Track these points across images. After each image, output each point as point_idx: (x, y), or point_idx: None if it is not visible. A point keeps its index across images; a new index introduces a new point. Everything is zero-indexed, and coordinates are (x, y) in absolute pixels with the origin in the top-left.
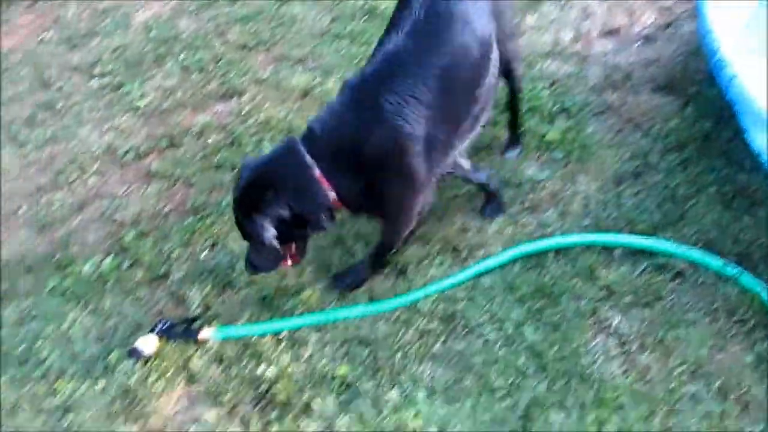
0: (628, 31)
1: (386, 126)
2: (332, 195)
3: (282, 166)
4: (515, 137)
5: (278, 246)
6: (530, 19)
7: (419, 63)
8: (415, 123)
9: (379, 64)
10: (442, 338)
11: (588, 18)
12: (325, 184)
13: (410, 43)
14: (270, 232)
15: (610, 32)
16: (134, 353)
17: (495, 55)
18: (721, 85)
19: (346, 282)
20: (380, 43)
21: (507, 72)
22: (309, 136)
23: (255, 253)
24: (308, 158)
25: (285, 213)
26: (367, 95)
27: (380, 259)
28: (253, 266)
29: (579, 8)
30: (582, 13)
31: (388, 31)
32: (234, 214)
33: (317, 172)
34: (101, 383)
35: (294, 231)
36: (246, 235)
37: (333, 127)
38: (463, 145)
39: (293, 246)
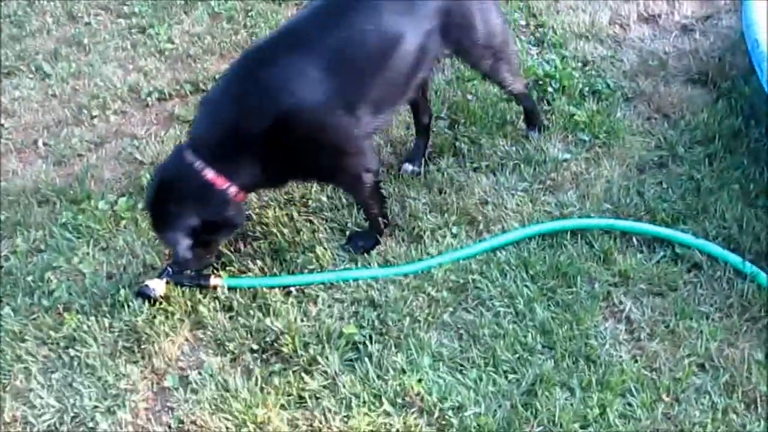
0: (667, 19)
1: (269, 101)
2: (232, 190)
3: (176, 179)
4: (414, 153)
5: (193, 256)
6: None
7: (310, 43)
8: (306, 93)
9: (267, 43)
10: (452, 308)
11: (627, 1)
12: (221, 183)
13: (305, 25)
14: (184, 245)
15: (649, 18)
16: (143, 293)
17: (409, 47)
18: (761, 78)
19: (359, 244)
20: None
21: (487, 75)
22: (194, 140)
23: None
24: (198, 164)
25: (194, 222)
26: (246, 76)
27: (373, 221)
28: (179, 267)
29: None
30: None
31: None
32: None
33: (210, 174)
34: (108, 320)
35: (211, 234)
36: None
37: (215, 122)
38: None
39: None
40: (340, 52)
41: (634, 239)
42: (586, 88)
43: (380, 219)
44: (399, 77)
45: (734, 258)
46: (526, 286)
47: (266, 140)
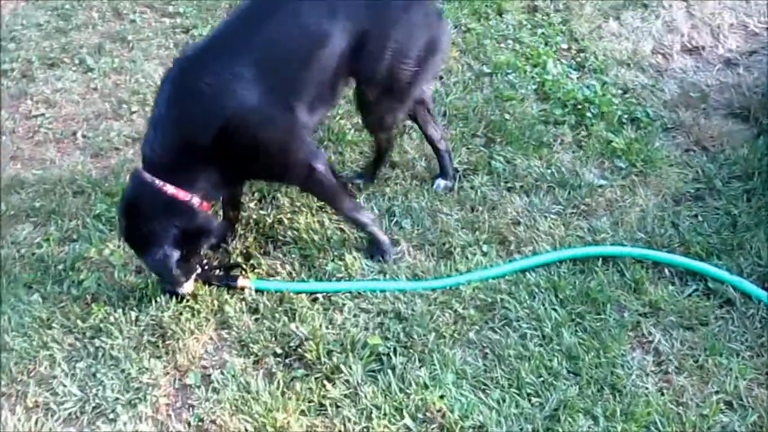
0: (710, 51)
1: (211, 110)
2: (195, 201)
3: (141, 202)
4: (441, 168)
5: (180, 271)
6: (611, 25)
7: (238, 47)
8: (245, 96)
9: (197, 51)
10: (478, 326)
11: (671, 32)
12: (184, 196)
13: (232, 30)
14: (174, 256)
15: (692, 50)
16: (171, 289)
17: (334, 49)
18: None
19: (376, 255)
20: (214, 28)
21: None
22: (148, 161)
23: (167, 281)
24: (157, 182)
25: (174, 231)
26: (184, 90)
27: (363, 229)
28: (171, 285)
29: (663, 21)
30: (665, 26)
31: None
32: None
33: (171, 190)
34: (134, 313)
35: (189, 245)
36: (153, 271)
37: (164, 139)
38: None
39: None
40: (269, 52)
41: (667, 270)
42: (625, 116)
43: (371, 227)
44: (327, 75)
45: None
46: (555, 309)
47: (215, 148)
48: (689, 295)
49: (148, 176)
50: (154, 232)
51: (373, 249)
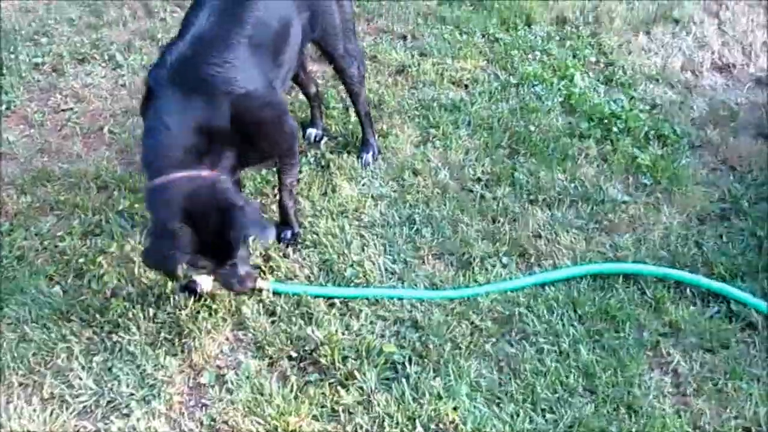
0: (741, 70)
1: (223, 96)
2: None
3: (212, 195)
4: (364, 139)
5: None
6: (641, 40)
7: (226, 36)
8: (248, 79)
9: (186, 47)
10: (495, 338)
11: (702, 48)
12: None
13: (214, 21)
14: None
15: (723, 68)
16: (190, 288)
17: (296, 30)
18: None
19: (284, 239)
20: (184, 26)
21: (338, 70)
22: (176, 160)
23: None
24: (183, 174)
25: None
26: (187, 80)
27: (288, 194)
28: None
29: (694, 37)
30: (696, 43)
31: (189, 16)
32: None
33: (204, 172)
34: (152, 310)
35: None
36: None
37: (183, 133)
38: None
39: None
40: (256, 38)
41: (689, 290)
42: (652, 132)
43: (293, 209)
44: (293, 54)
45: None
46: (573, 325)
47: (232, 129)
48: (711, 316)
49: (202, 171)
50: (243, 210)
51: (283, 231)
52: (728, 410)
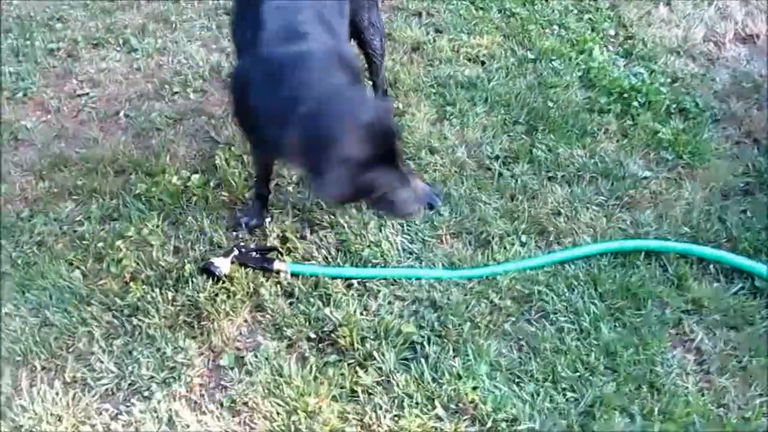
0: (765, 40)
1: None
2: None
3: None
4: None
5: None
6: (661, 11)
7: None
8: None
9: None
10: (514, 317)
11: (724, 19)
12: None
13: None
14: None
15: (746, 38)
16: (208, 270)
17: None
18: None
19: (243, 221)
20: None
21: (362, 42)
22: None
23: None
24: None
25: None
26: (292, 41)
27: None
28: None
29: (716, 7)
30: (719, 13)
31: None
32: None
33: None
34: (171, 293)
35: None
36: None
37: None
38: None
39: None
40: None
41: (712, 267)
42: (674, 105)
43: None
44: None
45: None
46: (594, 303)
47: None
48: (735, 293)
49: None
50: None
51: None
52: (753, 388)
